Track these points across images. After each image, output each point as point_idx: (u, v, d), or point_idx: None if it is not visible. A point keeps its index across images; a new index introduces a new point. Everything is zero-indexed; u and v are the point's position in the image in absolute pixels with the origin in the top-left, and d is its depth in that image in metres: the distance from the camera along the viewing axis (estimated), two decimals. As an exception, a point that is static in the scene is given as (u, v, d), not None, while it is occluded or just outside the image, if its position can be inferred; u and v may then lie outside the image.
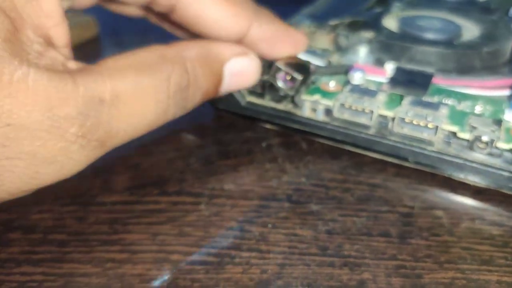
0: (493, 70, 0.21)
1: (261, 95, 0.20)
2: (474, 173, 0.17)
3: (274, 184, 0.17)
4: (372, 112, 0.18)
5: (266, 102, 0.20)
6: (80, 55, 0.15)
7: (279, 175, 0.17)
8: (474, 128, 0.17)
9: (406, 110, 0.18)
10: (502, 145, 0.16)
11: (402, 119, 0.18)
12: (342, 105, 0.18)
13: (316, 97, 0.19)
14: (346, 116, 0.18)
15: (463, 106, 0.18)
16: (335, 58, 0.22)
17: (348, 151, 0.19)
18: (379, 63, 0.21)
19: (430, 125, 0.17)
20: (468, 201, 0.16)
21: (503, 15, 0.26)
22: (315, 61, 0.21)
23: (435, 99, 0.19)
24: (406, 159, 0.18)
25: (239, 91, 0.20)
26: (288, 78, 0.19)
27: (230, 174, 0.17)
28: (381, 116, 0.18)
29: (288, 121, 0.19)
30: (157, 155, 0.19)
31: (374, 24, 0.23)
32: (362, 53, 0.22)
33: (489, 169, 0.16)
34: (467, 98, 0.19)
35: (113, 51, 0.14)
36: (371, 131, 0.18)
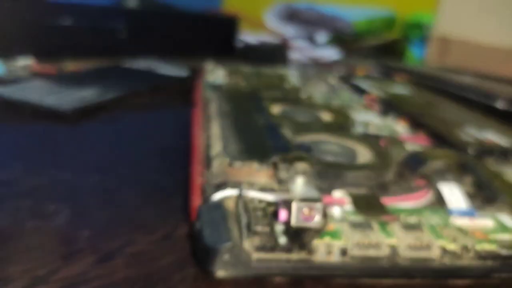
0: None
1: (271, 248, 0.19)
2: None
3: None
4: (380, 243, 0.19)
5: (277, 254, 0.19)
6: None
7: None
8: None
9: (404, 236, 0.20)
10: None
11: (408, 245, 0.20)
12: (357, 243, 0.19)
13: (327, 239, 0.19)
14: (362, 252, 0.19)
15: (434, 221, 0.22)
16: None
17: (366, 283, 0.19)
18: (323, 191, 0.23)
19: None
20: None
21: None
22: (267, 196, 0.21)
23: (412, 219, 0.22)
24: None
25: (243, 251, 0.18)
26: (306, 213, 0.18)
27: None
28: (389, 245, 0.20)
29: (303, 270, 0.19)
30: None
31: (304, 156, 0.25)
32: (300, 183, 0.24)
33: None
34: (416, 213, 0.23)
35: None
36: (384, 262, 0.19)
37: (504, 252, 0.20)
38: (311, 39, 1.02)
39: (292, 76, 0.53)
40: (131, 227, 0.22)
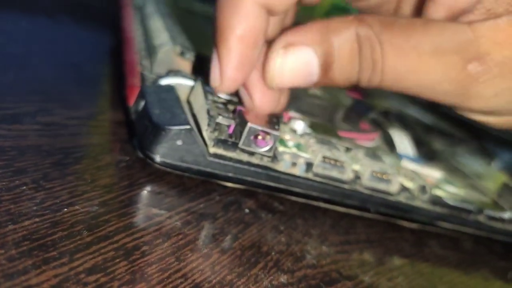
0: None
1: (232, 146, 0.15)
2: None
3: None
4: (345, 166, 0.17)
5: (238, 154, 0.15)
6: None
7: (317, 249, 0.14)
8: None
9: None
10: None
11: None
12: (323, 160, 0.17)
13: (293, 150, 0.17)
14: (326, 172, 0.17)
15: (388, 160, 0.20)
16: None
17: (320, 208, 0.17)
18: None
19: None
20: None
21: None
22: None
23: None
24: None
25: (202, 140, 0.15)
26: (261, 138, 0.15)
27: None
28: (353, 170, 0.18)
29: (262, 177, 0.16)
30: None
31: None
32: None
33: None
34: (371, 150, 0.21)
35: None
36: (346, 186, 0.17)
37: (451, 202, 0.20)
38: None
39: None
40: (45, 97, 0.17)
